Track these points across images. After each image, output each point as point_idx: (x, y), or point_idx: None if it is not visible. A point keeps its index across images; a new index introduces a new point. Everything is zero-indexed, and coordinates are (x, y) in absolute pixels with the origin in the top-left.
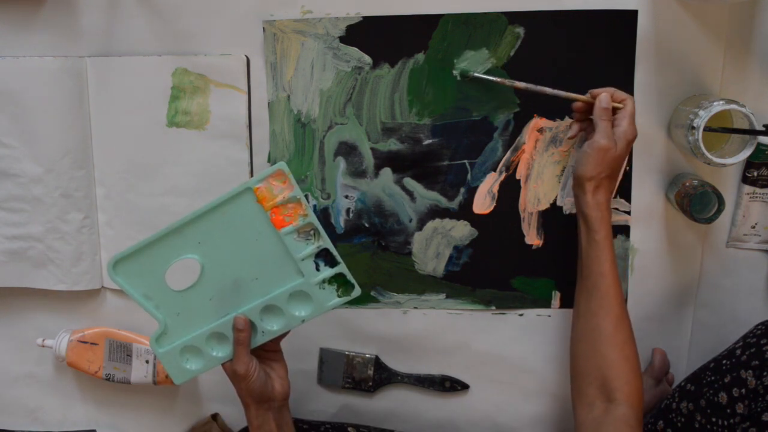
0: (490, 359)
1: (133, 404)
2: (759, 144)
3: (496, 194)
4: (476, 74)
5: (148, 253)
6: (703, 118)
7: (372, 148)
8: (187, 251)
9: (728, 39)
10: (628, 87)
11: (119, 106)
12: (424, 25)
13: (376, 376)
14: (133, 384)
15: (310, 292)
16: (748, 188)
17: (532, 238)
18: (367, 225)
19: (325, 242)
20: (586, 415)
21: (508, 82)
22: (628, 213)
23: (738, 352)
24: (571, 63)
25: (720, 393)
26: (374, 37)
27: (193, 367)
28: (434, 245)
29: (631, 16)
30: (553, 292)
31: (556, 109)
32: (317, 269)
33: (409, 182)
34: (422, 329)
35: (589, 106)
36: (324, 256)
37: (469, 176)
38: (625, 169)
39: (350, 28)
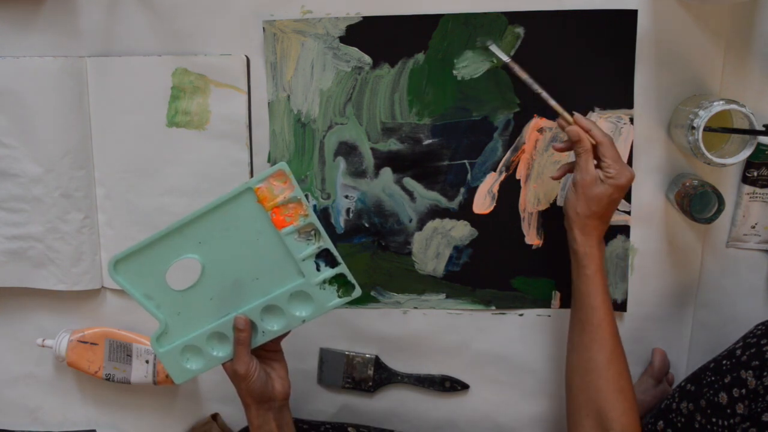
0: (490, 359)
1: (133, 404)
2: (759, 144)
3: (496, 194)
4: (492, 47)
5: (148, 253)
6: (703, 118)
7: (372, 148)
8: (187, 251)
9: (728, 39)
10: (628, 87)
11: (119, 106)
12: (424, 25)
13: (376, 376)
14: (133, 384)
15: (310, 293)
16: (748, 188)
17: (532, 238)
18: (367, 225)
19: (326, 242)
20: None
21: (518, 69)
22: (628, 213)
23: (738, 352)
24: (571, 63)
25: (720, 393)
26: (374, 37)
27: (193, 366)
28: (434, 245)
29: (631, 16)
30: (553, 292)
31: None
32: (318, 269)
33: (409, 182)
34: (422, 329)
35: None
36: (325, 257)
37: (469, 176)
38: None
39: (350, 28)
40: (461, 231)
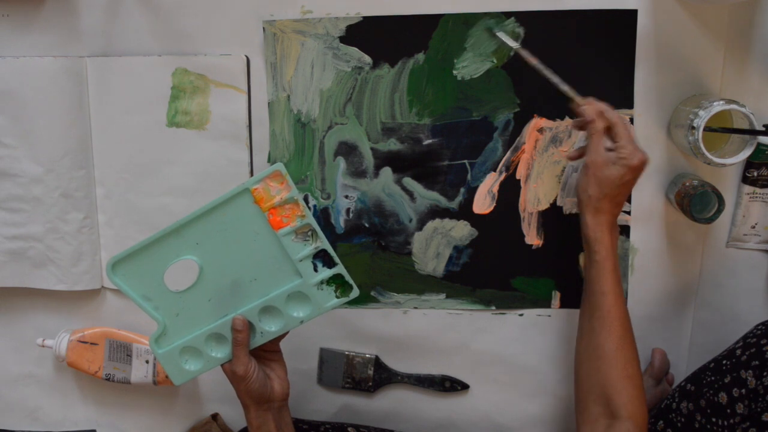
0: (490, 359)
1: (133, 404)
2: (759, 144)
3: (496, 194)
4: (499, 33)
5: (146, 255)
6: (703, 118)
7: (372, 148)
8: (185, 252)
9: (728, 39)
10: (628, 87)
11: (119, 106)
12: (424, 25)
13: (376, 376)
14: (133, 384)
15: (308, 293)
16: (748, 188)
17: (532, 238)
18: (367, 225)
19: (323, 243)
20: None
21: (524, 52)
22: (628, 213)
23: (738, 352)
24: (571, 63)
25: (720, 393)
26: (374, 37)
27: (192, 367)
28: (434, 245)
29: (631, 16)
30: (553, 292)
31: (556, 109)
32: (315, 270)
33: (409, 182)
34: (422, 329)
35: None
36: (322, 257)
37: (469, 176)
38: None
39: (350, 28)
40: (461, 231)
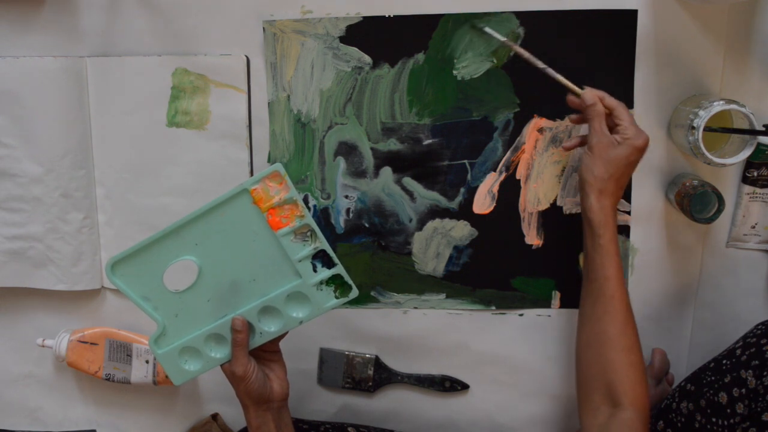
0: (490, 359)
1: (133, 404)
2: (759, 144)
3: (496, 194)
4: (486, 29)
5: (145, 255)
6: (703, 118)
7: (372, 148)
8: (184, 253)
9: (728, 39)
10: (628, 87)
11: (119, 106)
12: (424, 25)
13: (376, 376)
14: (133, 384)
15: (307, 294)
16: (748, 188)
17: (532, 238)
18: (367, 225)
19: (323, 244)
20: (593, 421)
21: (516, 46)
22: (628, 213)
23: (738, 352)
24: (571, 63)
25: (720, 393)
26: (374, 37)
27: (191, 368)
28: (434, 245)
29: (631, 16)
30: (553, 292)
31: (556, 109)
32: (314, 270)
33: (409, 182)
34: (422, 329)
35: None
36: (321, 257)
37: (469, 176)
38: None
39: (350, 28)
40: (461, 231)
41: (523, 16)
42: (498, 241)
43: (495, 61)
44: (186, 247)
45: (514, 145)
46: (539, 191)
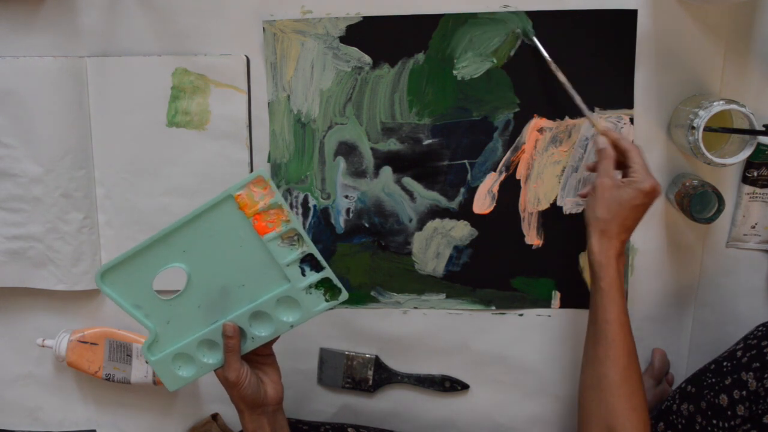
0: (490, 359)
1: (133, 404)
2: (759, 144)
3: (496, 194)
4: (534, 39)
5: (135, 263)
6: (703, 118)
7: (372, 148)
8: (173, 260)
9: (728, 39)
10: (628, 87)
11: (119, 106)
12: (424, 25)
13: (376, 376)
14: (133, 384)
15: (297, 298)
16: (748, 188)
17: (532, 238)
18: (367, 225)
19: (310, 247)
20: None
21: (554, 67)
22: None
23: (739, 353)
24: (571, 63)
25: (721, 395)
26: (374, 37)
27: (185, 374)
28: (434, 245)
29: (631, 16)
30: (553, 292)
31: (556, 109)
32: (303, 274)
33: (409, 182)
34: (422, 329)
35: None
36: (309, 261)
37: (469, 176)
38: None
39: (350, 28)
40: (461, 231)
41: (523, 16)
42: (498, 241)
43: (495, 61)
44: (174, 254)
45: (514, 145)
46: (539, 191)
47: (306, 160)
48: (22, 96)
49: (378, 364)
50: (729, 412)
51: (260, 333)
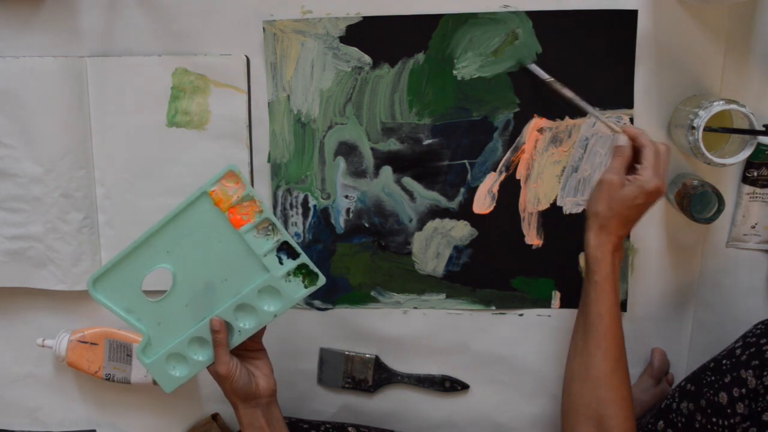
0: (490, 359)
1: (133, 404)
2: (759, 144)
3: (496, 194)
4: (530, 66)
5: (122, 268)
6: (703, 118)
7: (372, 148)
8: (157, 261)
9: (728, 39)
10: (628, 87)
11: (119, 106)
12: (424, 25)
13: (376, 376)
14: (133, 384)
15: (277, 286)
16: (748, 188)
17: (532, 238)
18: (367, 225)
19: (284, 236)
20: None
21: (559, 85)
22: None
23: (738, 351)
24: (571, 63)
25: (720, 393)
26: (374, 37)
27: (179, 373)
28: (434, 245)
29: (631, 16)
30: (553, 292)
31: (556, 110)
32: (281, 263)
33: (409, 182)
34: (422, 329)
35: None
36: (286, 249)
37: (469, 176)
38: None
39: (350, 28)
40: (461, 231)
41: (523, 16)
42: (498, 241)
43: (495, 61)
44: (158, 255)
45: (514, 145)
46: (539, 191)
47: (306, 160)
48: (22, 96)
49: (378, 364)
50: (728, 410)
51: (246, 325)
